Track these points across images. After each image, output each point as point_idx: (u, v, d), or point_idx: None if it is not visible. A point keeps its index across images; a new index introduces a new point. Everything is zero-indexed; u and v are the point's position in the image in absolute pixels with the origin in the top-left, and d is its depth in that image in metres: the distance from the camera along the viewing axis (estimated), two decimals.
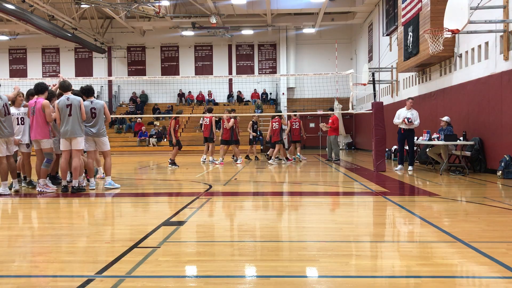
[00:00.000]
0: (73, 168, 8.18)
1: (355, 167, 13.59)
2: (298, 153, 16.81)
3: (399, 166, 12.29)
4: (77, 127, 8.12)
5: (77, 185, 8.14)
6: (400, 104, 12.76)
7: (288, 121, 16.26)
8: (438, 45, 10.83)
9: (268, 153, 16.22)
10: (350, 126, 28.56)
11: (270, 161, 15.23)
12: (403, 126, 12.11)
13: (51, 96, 8.69)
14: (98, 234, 4.94)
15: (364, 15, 25.21)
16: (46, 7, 22.43)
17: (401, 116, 12.14)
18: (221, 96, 29.78)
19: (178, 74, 29.60)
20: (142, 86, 30.67)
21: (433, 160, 12.55)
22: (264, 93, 30.11)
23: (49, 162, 8.25)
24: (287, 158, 16.16)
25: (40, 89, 8.36)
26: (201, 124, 17.38)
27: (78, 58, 31.07)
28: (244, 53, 30.80)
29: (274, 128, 15.25)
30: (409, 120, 11.95)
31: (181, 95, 30.31)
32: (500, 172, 9.77)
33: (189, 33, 28.32)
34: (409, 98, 12.63)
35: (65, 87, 8.45)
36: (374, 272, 3.48)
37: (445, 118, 11.81)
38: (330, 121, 16.33)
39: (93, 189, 8.49)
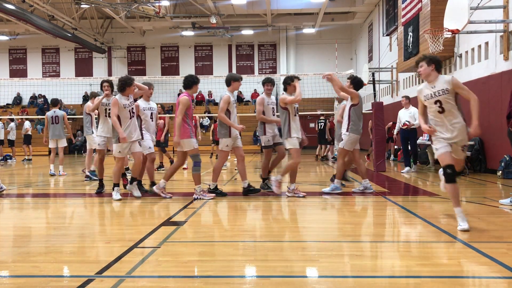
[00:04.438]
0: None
1: (355, 167, 13.56)
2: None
3: (407, 169, 11.57)
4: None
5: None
6: (400, 104, 12.69)
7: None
8: (438, 45, 10.82)
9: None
10: None
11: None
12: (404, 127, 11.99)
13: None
14: (98, 234, 4.94)
15: (364, 15, 25.20)
16: (46, 7, 22.43)
17: (402, 119, 11.91)
18: None
19: (178, 74, 29.58)
20: None
21: (427, 159, 12.56)
22: None
23: (197, 165, 7.26)
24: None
25: (185, 84, 7.39)
26: (202, 125, 17.40)
27: (78, 58, 31.06)
28: (244, 53, 30.79)
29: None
30: (406, 126, 11.75)
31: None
32: (500, 172, 9.76)
33: (189, 33, 28.32)
34: (403, 97, 12.37)
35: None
36: (374, 272, 3.48)
37: None
38: None
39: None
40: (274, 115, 7.94)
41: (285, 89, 7.41)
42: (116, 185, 7.25)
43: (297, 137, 7.32)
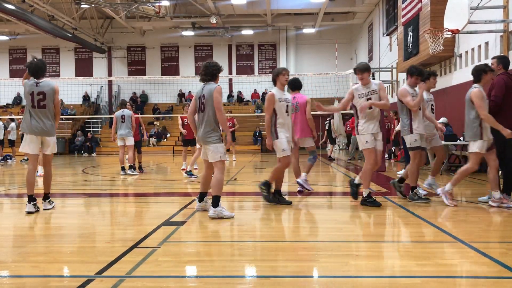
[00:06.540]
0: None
1: (355, 167, 13.58)
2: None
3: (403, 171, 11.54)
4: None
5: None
6: None
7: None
8: (438, 45, 10.83)
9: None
10: None
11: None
12: None
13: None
14: (98, 234, 4.94)
15: (364, 15, 25.20)
16: (46, 7, 22.42)
17: None
18: None
19: (178, 74, 29.59)
20: (142, 86, 30.64)
21: (427, 159, 12.54)
22: (265, 93, 30.12)
23: (314, 158, 7.84)
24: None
25: (297, 85, 7.91)
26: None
27: (78, 58, 31.05)
28: (244, 53, 30.78)
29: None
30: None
31: (181, 95, 30.30)
32: (500, 172, 9.74)
33: (189, 33, 28.32)
34: None
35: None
36: (374, 272, 3.48)
37: (442, 120, 11.75)
38: None
39: None
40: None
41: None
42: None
43: (420, 134, 6.44)
